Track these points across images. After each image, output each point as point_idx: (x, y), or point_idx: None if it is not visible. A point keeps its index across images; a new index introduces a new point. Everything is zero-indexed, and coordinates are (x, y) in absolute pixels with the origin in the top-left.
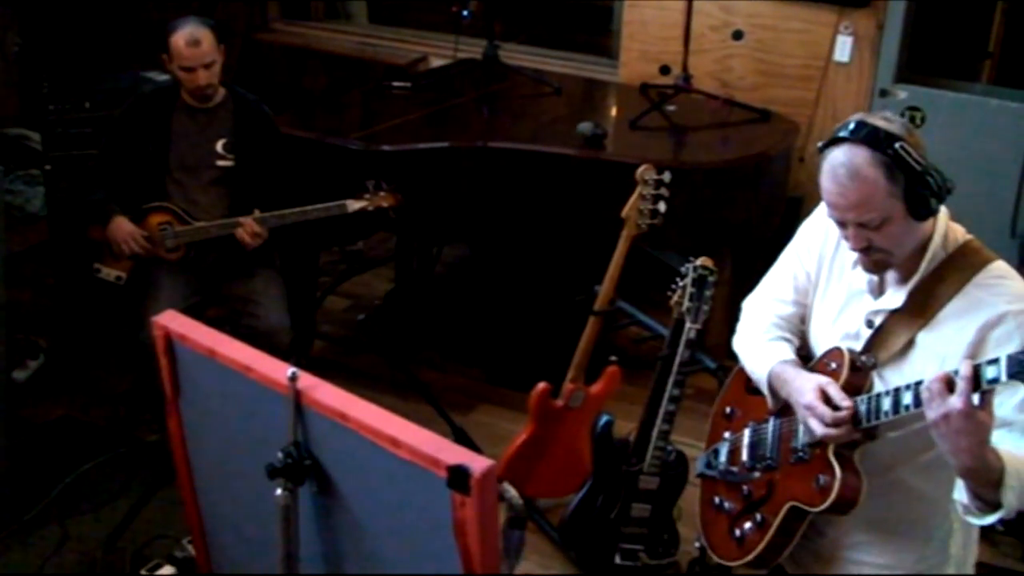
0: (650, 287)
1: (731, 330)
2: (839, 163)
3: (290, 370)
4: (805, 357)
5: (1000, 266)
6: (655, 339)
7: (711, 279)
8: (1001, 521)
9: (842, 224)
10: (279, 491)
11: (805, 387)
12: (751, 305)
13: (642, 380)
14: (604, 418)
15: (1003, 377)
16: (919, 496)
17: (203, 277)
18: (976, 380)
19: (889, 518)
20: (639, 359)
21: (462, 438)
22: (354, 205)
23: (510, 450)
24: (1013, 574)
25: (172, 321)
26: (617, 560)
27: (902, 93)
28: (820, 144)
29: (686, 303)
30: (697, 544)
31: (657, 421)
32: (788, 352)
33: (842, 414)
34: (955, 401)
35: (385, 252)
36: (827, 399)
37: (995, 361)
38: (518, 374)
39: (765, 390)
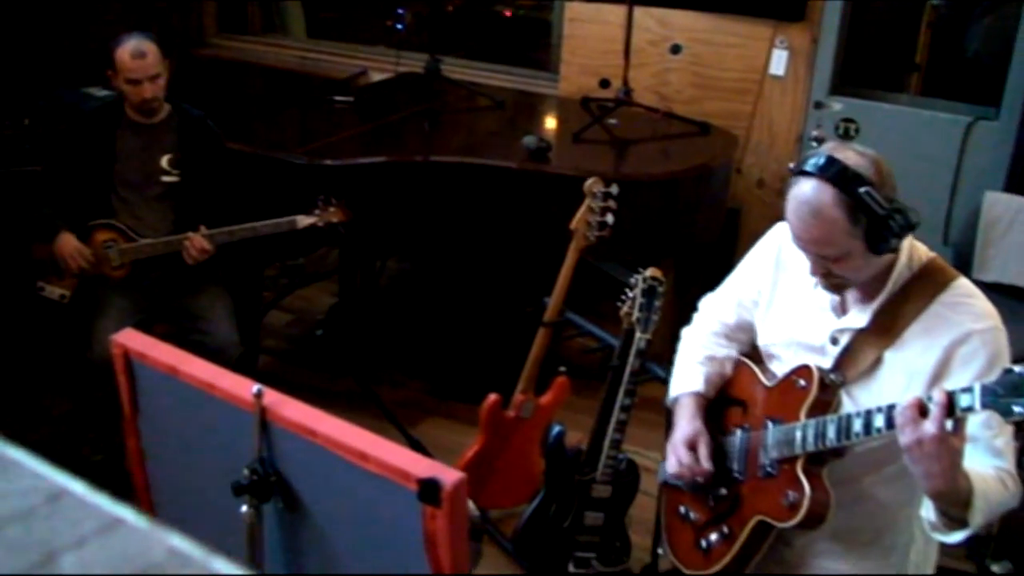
0: (596, 299)
1: (674, 339)
2: (804, 199)
3: (255, 387)
4: (757, 360)
5: (964, 284)
6: (603, 350)
7: (660, 289)
8: None
9: (804, 250)
10: (244, 508)
11: (683, 431)
12: (706, 306)
13: (590, 391)
14: (556, 428)
15: (977, 407)
16: (883, 506)
17: (149, 294)
18: (950, 407)
19: (854, 528)
20: (587, 370)
21: (418, 452)
22: (304, 221)
23: (461, 462)
24: (958, 574)
25: (131, 339)
26: (571, 569)
27: (836, 105)
28: (792, 167)
29: (636, 313)
30: (660, 552)
31: (609, 430)
32: (700, 383)
33: (696, 467)
34: (929, 427)
35: (326, 266)
36: (694, 449)
37: (969, 390)
38: (466, 386)
39: (670, 395)
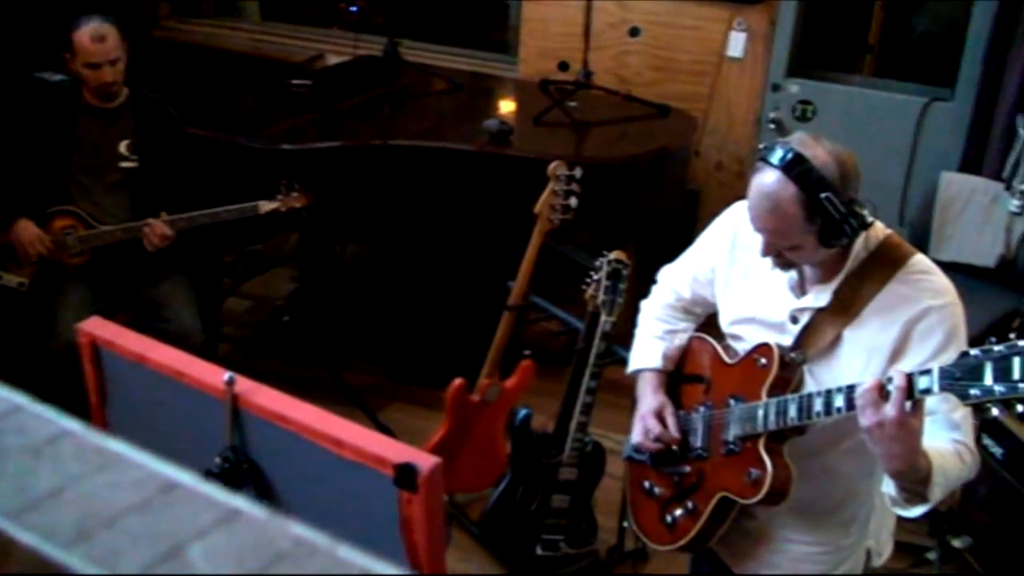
0: (563, 282)
1: (635, 322)
2: (764, 192)
3: (227, 374)
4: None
5: (921, 260)
6: (567, 333)
7: (625, 272)
8: None
9: (758, 232)
10: None
11: (648, 404)
12: (663, 277)
13: (555, 374)
14: (523, 411)
15: (935, 389)
16: (843, 477)
17: (109, 282)
18: (909, 389)
19: (816, 500)
20: (552, 353)
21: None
22: (267, 206)
23: (426, 447)
24: (920, 549)
25: (98, 328)
26: (538, 551)
27: (793, 87)
28: (761, 148)
29: (601, 296)
30: (626, 524)
31: (575, 413)
32: (658, 359)
33: (665, 434)
34: (889, 410)
35: (283, 252)
36: (663, 420)
37: (928, 372)
38: (430, 371)
39: (631, 367)
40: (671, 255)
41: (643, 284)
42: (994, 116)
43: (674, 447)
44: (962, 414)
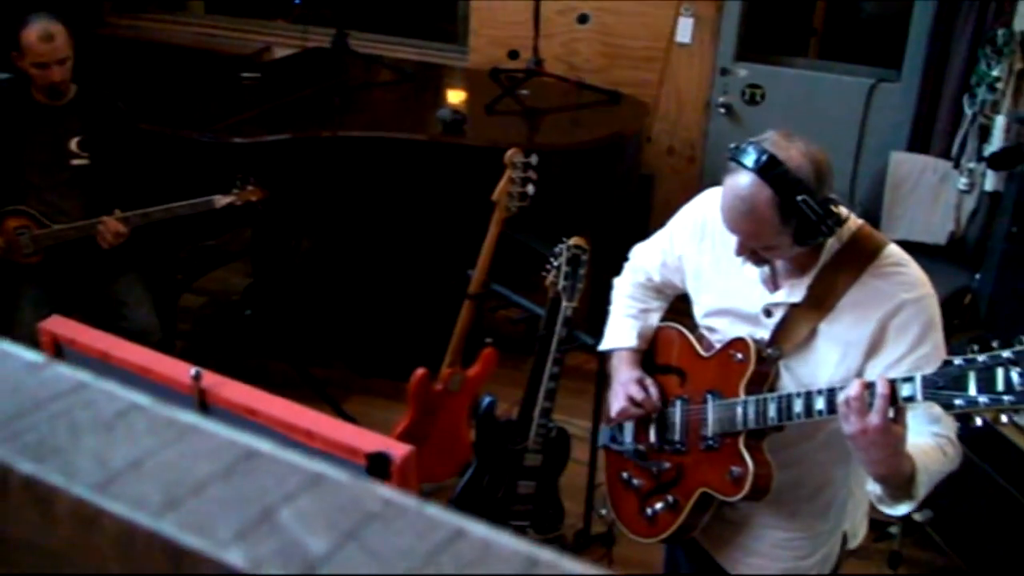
0: (521, 269)
1: (594, 307)
2: (739, 195)
3: (193, 369)
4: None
5: (894, 251)
6: (528, 320)
7: (584, 258)
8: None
9: (732, 232)
10: None
11: (626, 376)
12: (635, 256)
13: (517, 361)
14: (486, 399)
15: (919, 397)
16: (819, 465)
17: (65, 281)
18: (892, 396)
19: (794, 488)
20: (514, 340)
21: None
22: (222, 200)
23: (391, 438)
24: (881, 524)
25: (59, 326)
26: None
27: (742, 71)
28: (732, 148)
29: (561, 282)
30: (604, 512)
31: (538, 399)
32: (634, 338)
33: (645, 399)
34: (873, 418)
35: (237, 246)
36: (644, 388)
37: (910, 379)
38: (391, 362)
39: (605, 345)
40: (627, 240)
41: (598, 267)
42: (941, 96)
43: (652, 414)
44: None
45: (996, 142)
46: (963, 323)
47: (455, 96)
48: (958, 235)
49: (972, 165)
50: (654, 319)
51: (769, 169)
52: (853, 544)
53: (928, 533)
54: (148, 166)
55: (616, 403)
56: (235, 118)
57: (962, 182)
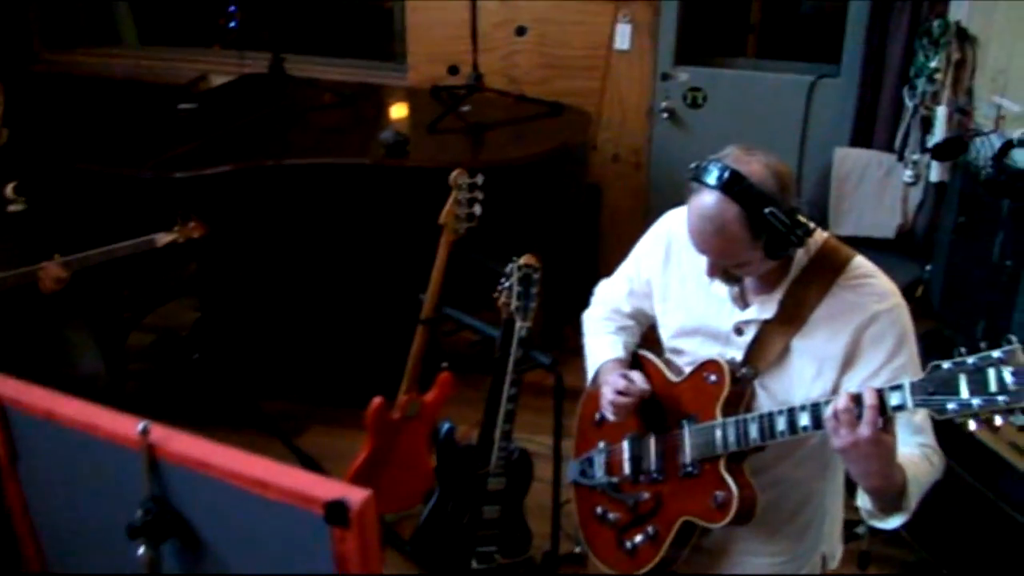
0: (477, 289)
1: (547, 323)
2: (707, 215)
3: (141, 424)
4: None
5: (861, 263)
6: (485, 341)
7: (536, 276)
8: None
9: (702, 254)
10: (141, 550)
11: (618, 371)
12: (600, 290)
13: (476, 382)
14: (445, 425)
15: (910, 405)
16: (798, 485)
17: (7, 330)
18: (882, 407)
19: (773, 510)
20: (473, 362)
21: (311, 467)
22: (163, 239)
23: (351, 469)
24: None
25: (2, 386)
26: (474, 565)
27: (683, 75)
28: (691, 168)
29: (514, 302)
30: (577, 549)
31: (498, 422)
32: (621, 350)
33: (634, 386)
34: (864, 430)
35: (182, 281)
36: (626, 376)
37: (899, 387)
38: (348, 391)
39: (590, 374)
40: (579, 252)
41: (551, 278)
42: (881, 89)
43: (623, 473)
44: (923, 416)
45: (939, 133)
46: (917, 315)
47: (397, 116)
48: (907, 227)
49: (916, 157)
50: (635, 335)
51: (733, 185)
52: (832, 565)
53: (897, 532)
54: (87, 207)
55: (605, 395)
56: (174, 152)
57: (907, 174)
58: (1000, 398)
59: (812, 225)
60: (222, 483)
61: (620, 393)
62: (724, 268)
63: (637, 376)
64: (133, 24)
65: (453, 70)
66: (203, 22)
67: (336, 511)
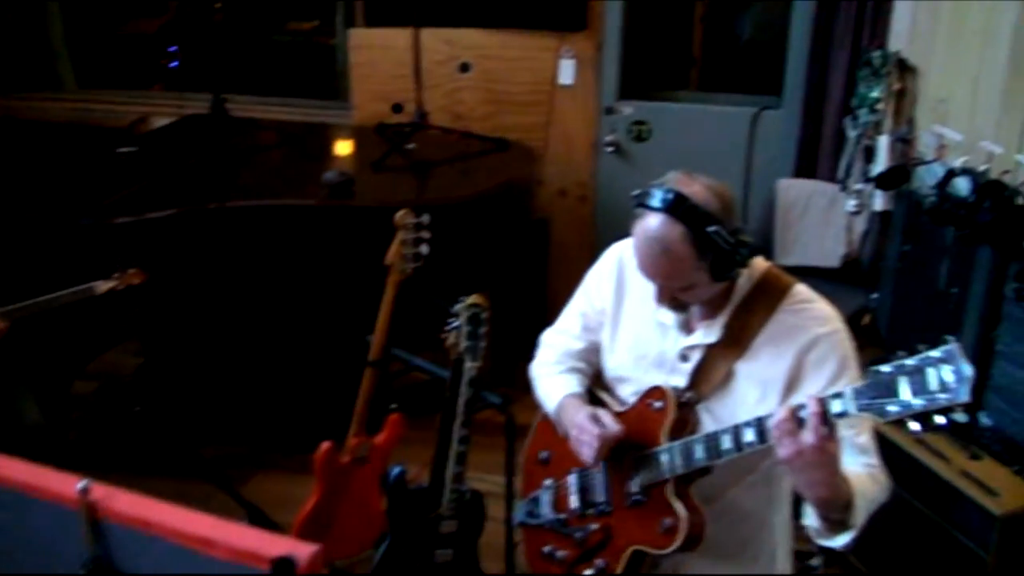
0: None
1: (497, 359)
2: (653, 237)
3: (80, 483)
4: (603, 388)
5: (802, 289)
6: (435, 382)
7: (484, 316)
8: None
9: (649, 280)
10: None
11: (579, 416)
12: (547, 336)
13: (428, 422)
14: (395, 469)
15: (853, 410)
16: (747, 514)
17: None
18: (824, 414)
19: (724, 539)
20: (425, 402)
21: (257, 516)
22: (103, 286)
23: (301, 515)
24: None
25: None
26: None
27: (627, 109)
28: (634, 195)
29: (463, 343)
30: None
31: (449, 464)
32: (576, 385)
33: (608, 431)
34: (808, 437)
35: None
36: (598, 422)
37: (840, 395)
38: (296, 436)
39: (554, 419)
40: (527, 287)
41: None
42: (823, 120)
43: (570, 508)
44: (867, 438)
45: (881, 162)
46: (864, 343)
47: (341, 156)
48: (852, 257)
49: (860, 186)
50: (586, 377)
51: (677, 206)
52: None
53: (850, 561)
54: (24, 255)
55: (585, 449)
56: (113, 197)
57: (851, 204)
58: (941, 396)
59: (753, 244)
60: (167, 542)
61: (599, 439)
62: (672, 294)
63: (607, 418)
64: (71, 67)
65: (397, 108)
66: (143, 63)
67: (283, 568)
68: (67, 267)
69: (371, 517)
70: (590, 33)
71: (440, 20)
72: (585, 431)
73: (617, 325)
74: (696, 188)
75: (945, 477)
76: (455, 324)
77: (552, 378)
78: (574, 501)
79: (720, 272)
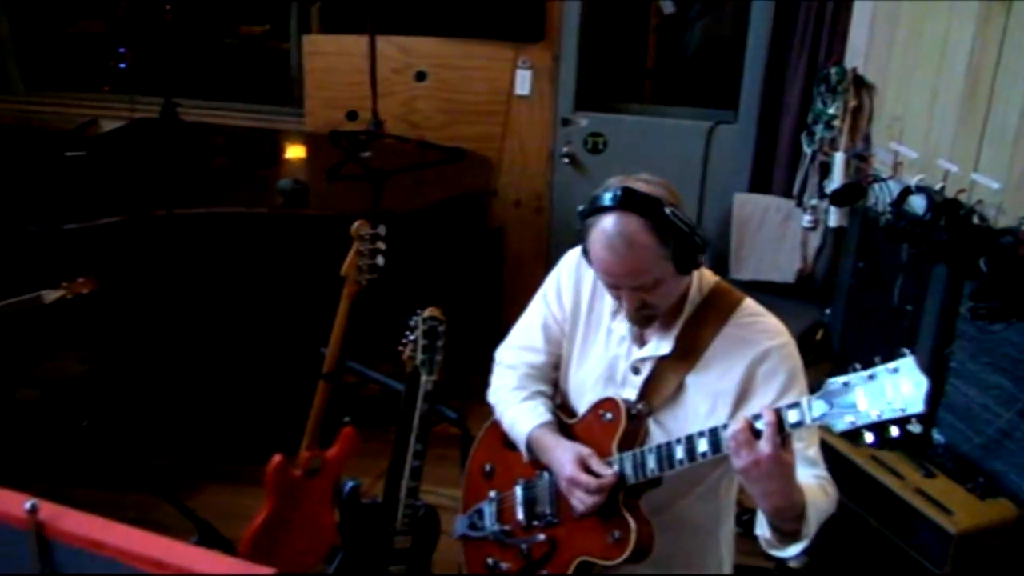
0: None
1: (452, 371)
2: (614, 233)
3: (29, 502)
4: (560, 406)
5: (751, 304)
6: (390, 395)
7: (441, 329)
8: (739, 522)
9: (615, 287)
10: None
11: (564, 459)
12: (503, 355)
13: (381, 435)
14: (349, 483)
15: (808, 421)
16: (695, 528)
17: None
18: (780, 425)
19: (671, 550)
20: (379, 415)
21: (207, 532)
22: (51, 295)
23: (251, 528)
24: (762, 571)
25: None
26: None
27: (583, 121)
28: (581, 209)
29: (419, 356)
30: None
31: (403, 478)
32: (545, 413)
33: (605, 480)
34: (764, 447)
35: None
36: (588, 470)
37: (796, 405)
38: (247, 447)
39: (523, 450)
40: (482, 296)
41: (453, 331)
42: (778, 135)
43: (516, 520)
44: (815, 450)
45: (837, 179)
46: (816, 358)
47: (295, 163)
48: (806, 272)
49: (815, 202)
50: (549, 399)
51: (629, 199)
52: None
53: None
54: None
55: (577, 504)
56: (60, 203)
57: (806, 220)
58: (896, 407)
59: (706, 235)
60: (118, 563)
61: (596, 491)
62: (641, 299)
63: (596, 464)
64: (17, 67)
65: (352, 115)
66: (92, 64)
67: None
68: (12, 274)
69: (323, 531)
70: (547, 44)
71: (396, 28)
72: (579, 484)
73: (574, 336)
74: (639, 183)
75: (900, 495)
76: (412, 337)
77: (517, 406)
78: (520, 512)
79: (684, 258)
